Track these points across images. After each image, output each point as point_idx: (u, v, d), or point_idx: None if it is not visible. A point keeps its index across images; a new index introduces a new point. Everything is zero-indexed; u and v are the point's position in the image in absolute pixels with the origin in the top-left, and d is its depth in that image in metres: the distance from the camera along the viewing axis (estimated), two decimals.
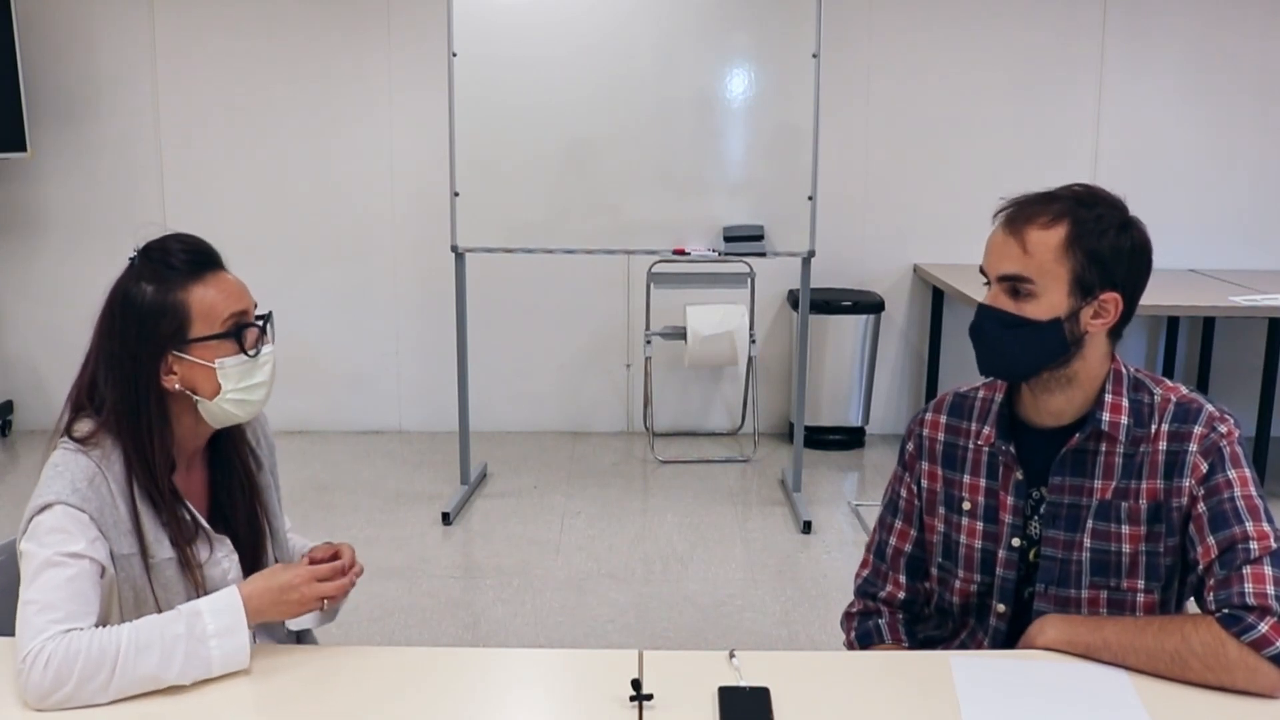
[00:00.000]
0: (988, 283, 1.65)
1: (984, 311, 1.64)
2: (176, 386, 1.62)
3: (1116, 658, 1.55)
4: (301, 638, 1.89)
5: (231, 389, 1.63)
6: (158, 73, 5.19)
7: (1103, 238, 1.59)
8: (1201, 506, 1.59)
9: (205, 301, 1.61)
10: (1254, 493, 1.59)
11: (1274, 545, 1.53)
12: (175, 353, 1.61)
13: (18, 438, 5.36)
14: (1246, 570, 1.51)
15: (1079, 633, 1.59)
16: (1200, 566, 1.58)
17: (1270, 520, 1.56)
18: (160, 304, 1.60)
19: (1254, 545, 1.53)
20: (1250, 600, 1.49)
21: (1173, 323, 5.41)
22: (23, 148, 4.95)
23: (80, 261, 5.28)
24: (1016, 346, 1.62)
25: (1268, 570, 1.51)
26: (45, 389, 5.37)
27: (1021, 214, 1.61)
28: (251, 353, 1.65)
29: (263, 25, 5.15)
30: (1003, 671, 1.57)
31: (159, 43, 5.17)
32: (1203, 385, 5.34)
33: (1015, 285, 1.60)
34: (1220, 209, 5.32)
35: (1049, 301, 1.59)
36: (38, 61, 5.11)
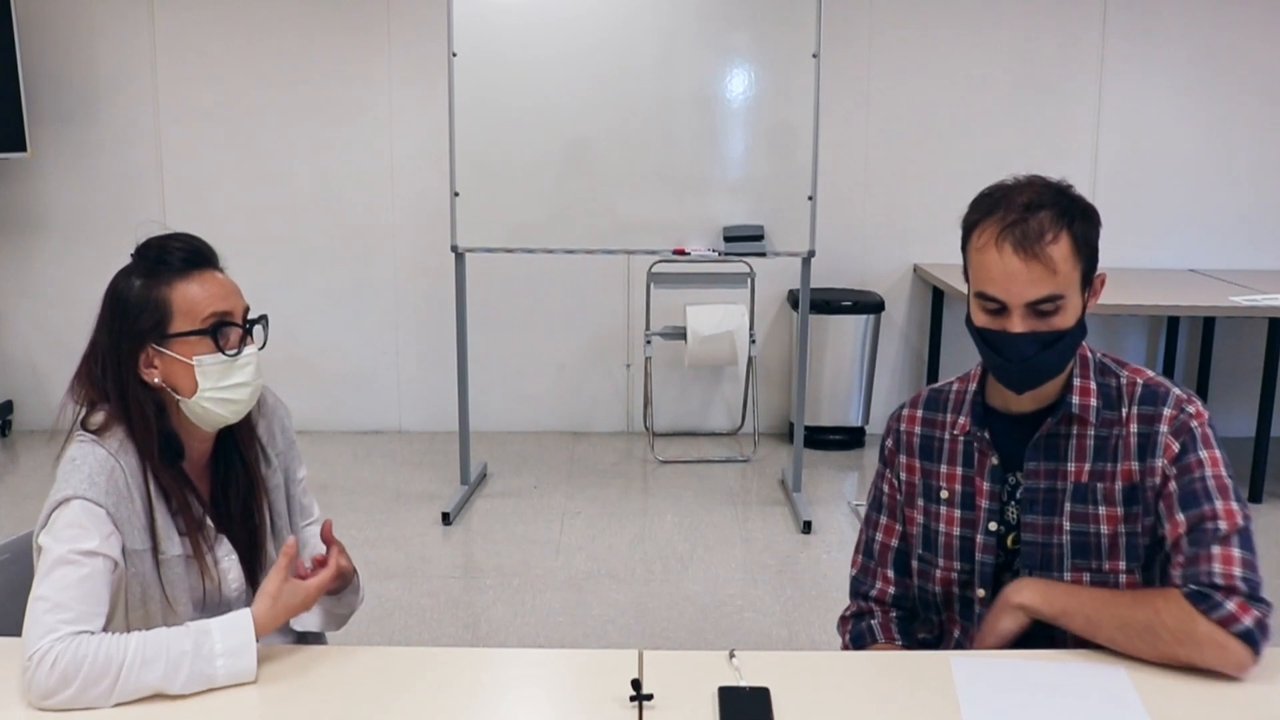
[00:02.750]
0: (996, 306, 1.60)
1: (1021, 340, 1.59)
2: (156, 380, 1.63)
3: (1090, 623, 1.58)
4: (306, 639, 1.89)
5: (210, 387, 1.63)
6: (158, 73, 5.19)
7: (1090, 230, 1.62)
8: (1173, 485, 1.62)
9: (188, 298, 1.62)
10: (1224, 473, 1.61)
11: (1241, 523, 1.56)
12: (154, 346, 1.62)
13: (18, 438, 5.36)
14: (1215, 550, 1.54)
15: (1056, 596, 1.63)
16: (1168, 542, 1.60)
17: (1239, 499, 1.59)
18: (144, 298, 1.62)
19: (1222, 524, 1.55)
20: (1218, 580, 1.52)
21: (1173, 323, 5.41)
22: (23, 148, 4.95)
23: (80, 261, 5.28)
24: (1053, 358, 1.63)
25: (1235, 551, 1.54)
26: (45, 389, 5.37)
27: (1027, 236, 1.57)
28: (230, 353, 1.64)
29: (263, 25, 5.15)
30: (1003, 671, 1.57)
31: (159, 43, 5.17)
32: (1203, 385, 5.34)
33: (1042, 306, 1.59)
34: (1220, 209, 5.32)
35: (1072, 307, 1.61)
36: (38, 61, 5.11)
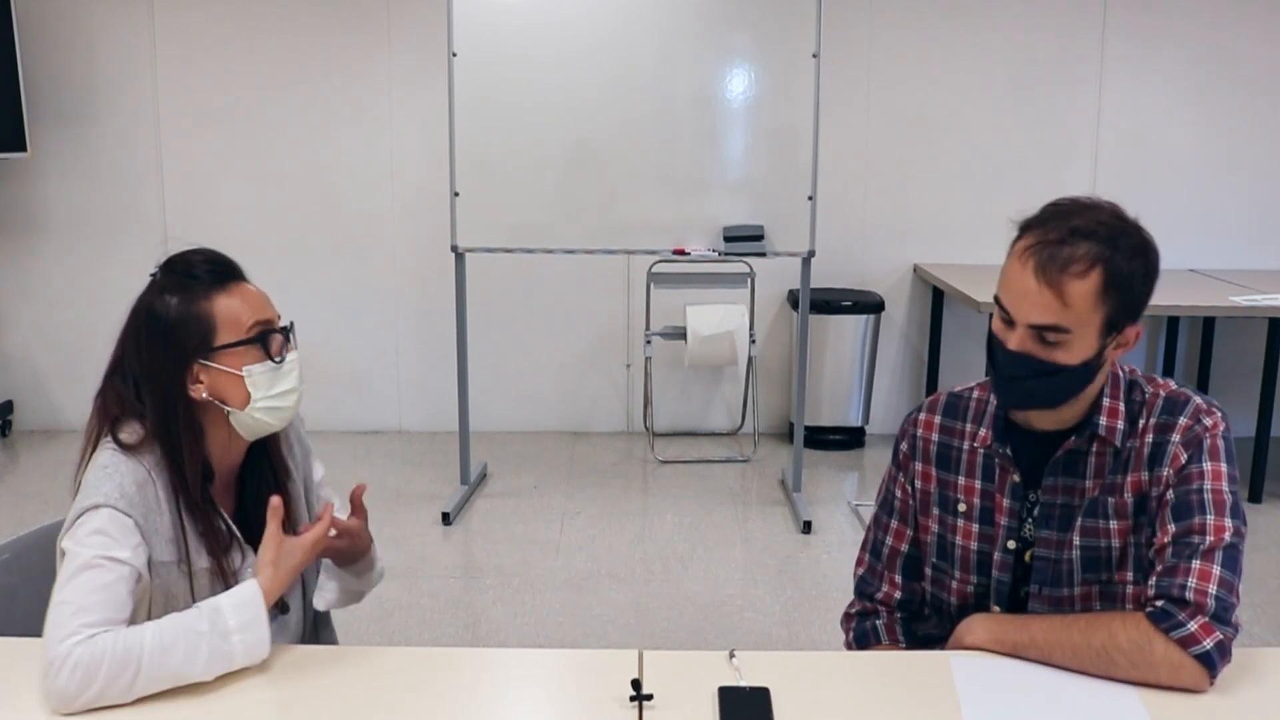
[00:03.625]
0: (1007, 317, 1.59)
1: (1013, 358, 1.57)
2: (204, 396, 1.62)
3: (1043, 654, 1.56)
4: (319, 626, 1.89)
5: (261, 397, 1.64)
6: (158, 73, 5.19)
7: (1133, 278, 1.55)
8: (1171, 494, 1.59)
9: (231, 310, 1.62)
10: (1224, 487, 1.58)
11: (1228, 540, 1.53)
12: (202, 361, 1.62)
13: (18, 438, 5.35)
14: (1195, 564, 1.52)
15: (1006, 631, 1.61)
16: (1154, 550, 1.59)
17: (1235, 515, 1.56)
18: (185, 314, 1.61)
19: (1208, 538, 1.53)
20: (1189, 595, 1.49)
21: (1173, 323, 5.42)
22: (23, 148, 4.95)
23: (80, 261, 5.28)
24: (1047, 390, 1.59)
25: (1215, 569, 1.51)
26: (45, 389, 5.37)
27: (1053, 260, 1.53)
28: (278, 360, 1.65)
29: (263, 25, 5.15)
30: (1003, 671, 1.57)
31: (159, 43, 5.17)
32: (1203, 385, 5.34)
33: (1045, 331, 1.55)
34: (1220, 209, 5.32)
35: (1081, 347, 1.56)
36: (38, 61, 5.11)
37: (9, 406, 5.37)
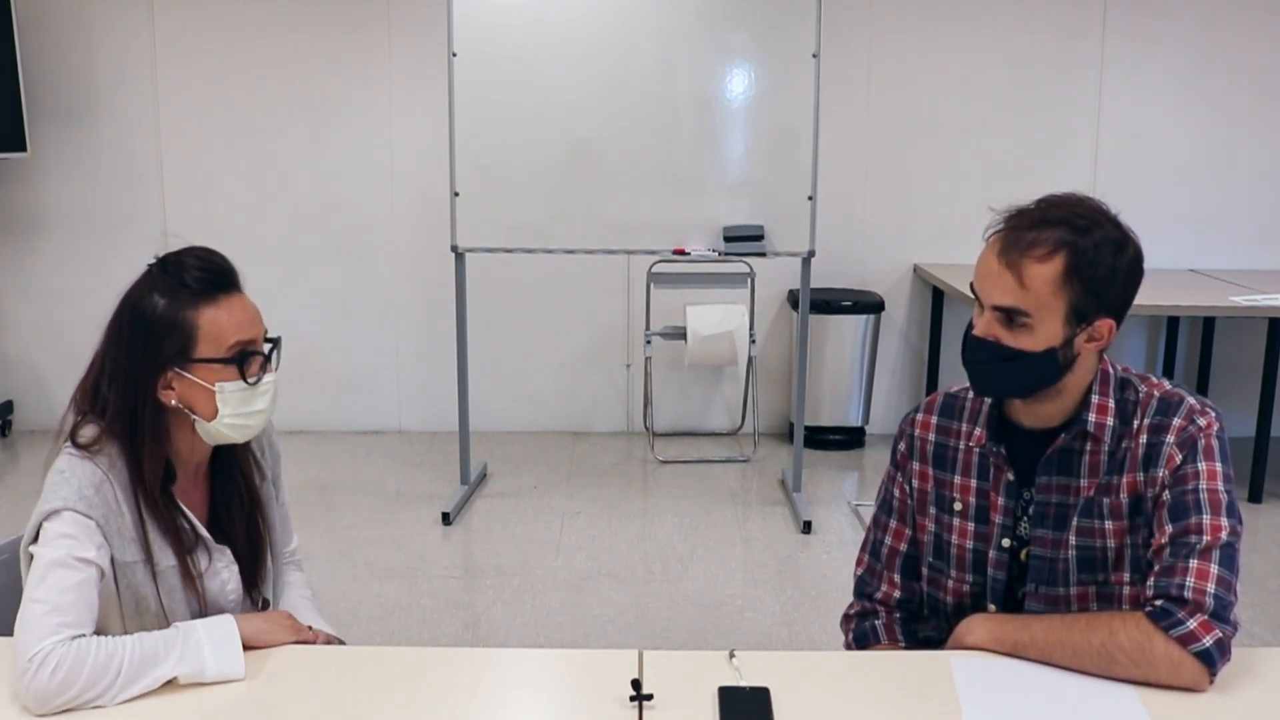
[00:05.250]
0: (978, 301, 1.63)
1: (977, 343, 1.62)
2: (174, 403, 1.62)
3: (1043, 654, 1.57)
4: None
5: (229, 413, 1.63)
6: (158, 73, 5.19)
7: (1099, 267, 1.57)
8: (1167, 495, 1.60)
9: (215, 324, 1.60)
10: (1220, 486, 1.59)
11: (1224, 538, 1.54)
12: (176, 370, 1.61)
13: (18, 438, 5.36)
14: (1192, 563, 1.53)
15: (1006, 631, 1.61)
16: (1151, 550, 1.59)
17: (1231, 514, 1.57)
18: (169, 319, 1.60)
19: (1205, 538, 1.54)
20: (1187, 594, 1.50)
21: (1173, 323, 5.42)
22: (23, 148, 4.95)
23: (80, 261, 5.28)
24: (1011, 375, 1.62)
25: (1212, 567, 1.52)
26: (45, 389, 5.37)
27: (1017, 243, 1.57)
28: (252, 380, 1.64)
29: (263, 25, 5.15)
30: (1003, 671, 1.57)
31: (159, 43, 5.17)
32: (1203, 385, 5.34)
33: (1010, 315, 1.58)
34: (1220, 209, 5.32)
35: (1044, 333, 1.58)
36: (38, 61, 5.11)
37: (9, 406, 5.37)
